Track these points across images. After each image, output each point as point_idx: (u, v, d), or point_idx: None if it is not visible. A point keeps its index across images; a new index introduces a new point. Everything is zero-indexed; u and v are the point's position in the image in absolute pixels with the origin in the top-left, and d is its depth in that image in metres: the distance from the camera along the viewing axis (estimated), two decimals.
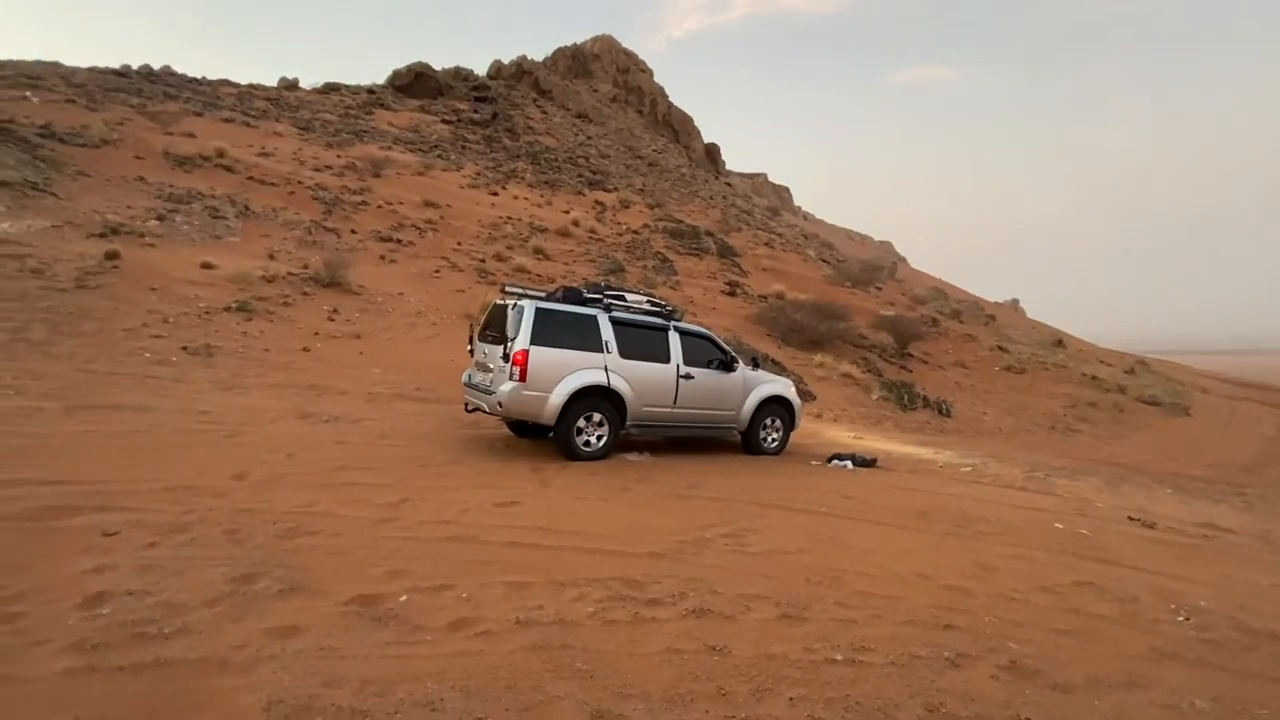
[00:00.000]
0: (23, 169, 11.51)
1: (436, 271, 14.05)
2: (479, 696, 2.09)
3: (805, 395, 10.63)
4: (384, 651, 2.31)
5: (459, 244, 16.15)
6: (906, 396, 14.38)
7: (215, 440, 5.28)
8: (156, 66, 22.96)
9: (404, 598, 2.76)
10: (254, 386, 7.47)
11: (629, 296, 6.46)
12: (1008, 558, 4.37)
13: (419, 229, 16.11)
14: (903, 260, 78.76)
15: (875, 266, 30.69)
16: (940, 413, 14.30)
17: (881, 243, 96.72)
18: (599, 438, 5.92)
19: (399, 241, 15.00)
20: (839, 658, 2.64)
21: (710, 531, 4.20)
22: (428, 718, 1.95)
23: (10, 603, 2.39)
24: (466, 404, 6.28)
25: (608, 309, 6.12)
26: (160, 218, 11.89)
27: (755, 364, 7.45)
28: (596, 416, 5.87)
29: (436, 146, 25.96)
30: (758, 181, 76.23)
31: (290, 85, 30.47)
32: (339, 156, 19.65)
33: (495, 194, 22.01)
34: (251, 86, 26.90)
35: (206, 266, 10.49)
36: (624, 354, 5.98)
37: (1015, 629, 3.13)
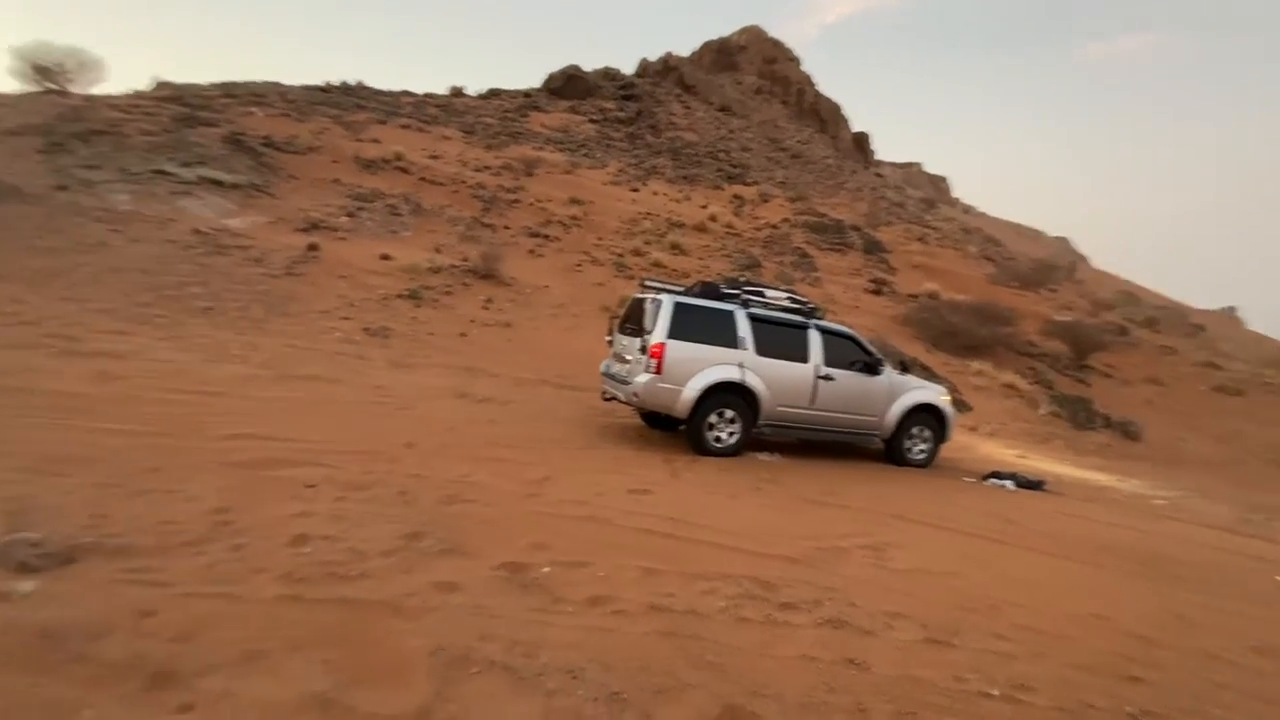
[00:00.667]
0: (249, 174, 13.71)
1: (578, 266, 14.70)
2: (615, 671, 2.17)
3: (959, 405, 9.75)
4: (529, 616, 2.47)
5: (599, 239, 16.76)
6: (1083, 414, 12.69)
7: (389, 412, 5.96)
8: (352, 82, 26.38)
9: (546, 569, 2.93)
10: (420, 366, 8.32)
11: (768, 293, 6.32)
12: (1211, 609, 3.73)
13: (564, 225, 16.96)
14: (1082, 259, 69.51)
15: (1049, 265, 27.36)
16: (1125, 435, 12.45)
17: (1056, 239, 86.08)
18: (730, 434, 5.87)
19: (546, 237, 15.89)
20: (995, 693, 2.40)
21: (847, 541, 4.01)
22: (569, 684, 2.06)
23: (237, 535, 2.87)
24: (603, 392, 6.52)
25: (745, 305, 6.03)
26: (350, 215, 13.62)
27: (904, 368, 6.97)
28: (729, 413, 5.82)
29: (583, 145, 27.16)
30: (911, 172, 71.03)
31: (458, 93, 33.44)
32: (496, 157, 21.24)
33: (636, 190, 22.55)
34: (426, 95, 29.92)
35: (385, 258, 11.84)
36: (760, 351, 5.86)
37: (1218, 692, 2.66)
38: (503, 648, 2.20)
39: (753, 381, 5.77)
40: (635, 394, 5.63)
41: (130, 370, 5.75)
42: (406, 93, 29.53)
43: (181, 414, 4.78)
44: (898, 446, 6.65)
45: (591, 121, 31.45)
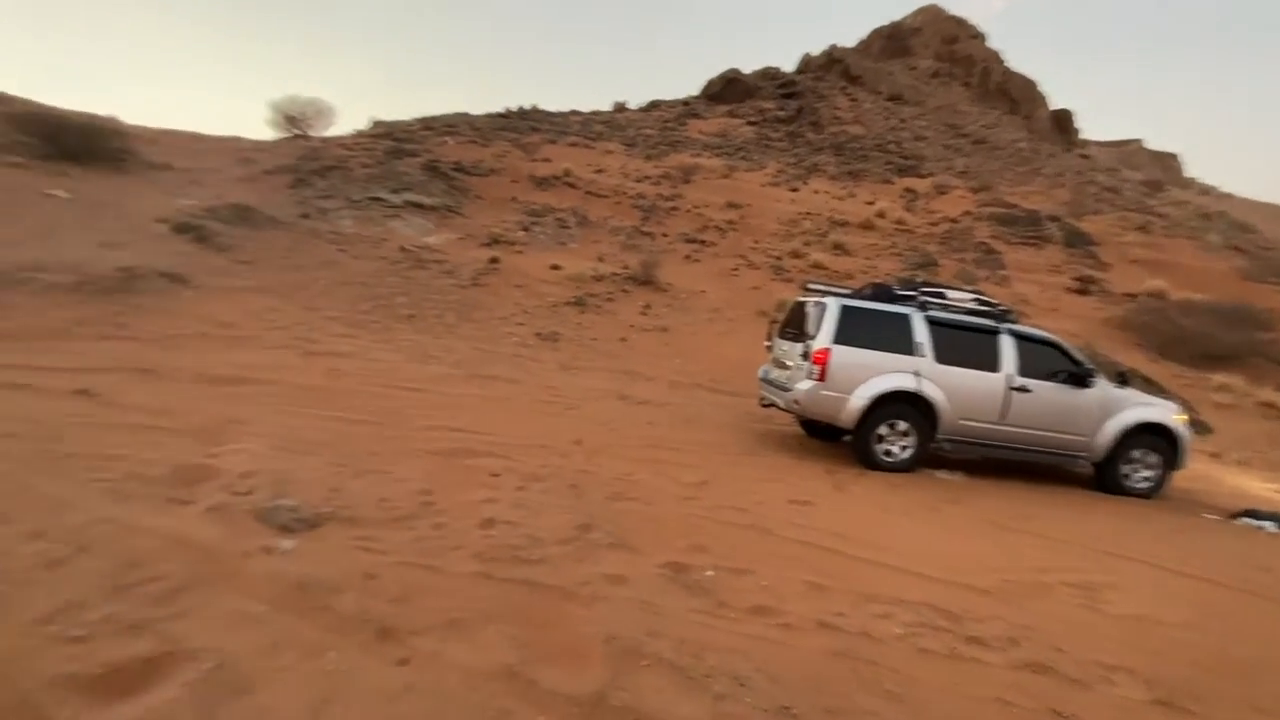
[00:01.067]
0: (444, 196, 15.52)
1: (734, 270, 14.61)
2: (784, 685, 2.10)
3: (1196, 426, 8.12)
4: (695, 618, 2.49)
5: (756, 242, 16.52)
6: None
7: (559, 410, 6.37)
8: (528, 107, 28.86)
9: (710, 572, 2.94)
10: (585, 369, 8.81)
11: (950, 294, 5.77)
12: None
13: (720, 229, 16.97)
14: None
15: None
16: None
17: None
18: (903, 448, 5.44)
19: (702, 242, 16.02)
20: None
21: (1049, 576, 3.52)
22: (736, 690, 2.04)
23: (438, 515, 3.24)
24: (761, 398, 6.39)
25: (923, 307, 5.56)
26: (525, 229, 14.84)
27: (1122, 380, 5.95)
28: (901, 425, 5.40)
29: (741, 148, 27.00)
30: (1129, 151, 60.90)
31: (620, 108, 35.06)
32: (656, 167, 21.88)
33: (795, 190, 21.91)
34: (592, 113, 31.77)
35: (554, 268, 12.72)
36: (941, 358, 5.37)
37: None
38: (671, 645, 2.24)
39: (930, 391, 5.29)
40: (796, 401, 5.45)
41: (353, 368, 6.77)
42: (575, 112, 31.57)
43: (391, 406, 5.53)
44: (1113, 472, 5.70)
45: (750, 124, 31.16)
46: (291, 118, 20.88)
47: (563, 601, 2.48)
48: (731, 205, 18.68)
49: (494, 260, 12.26)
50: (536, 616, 2.33)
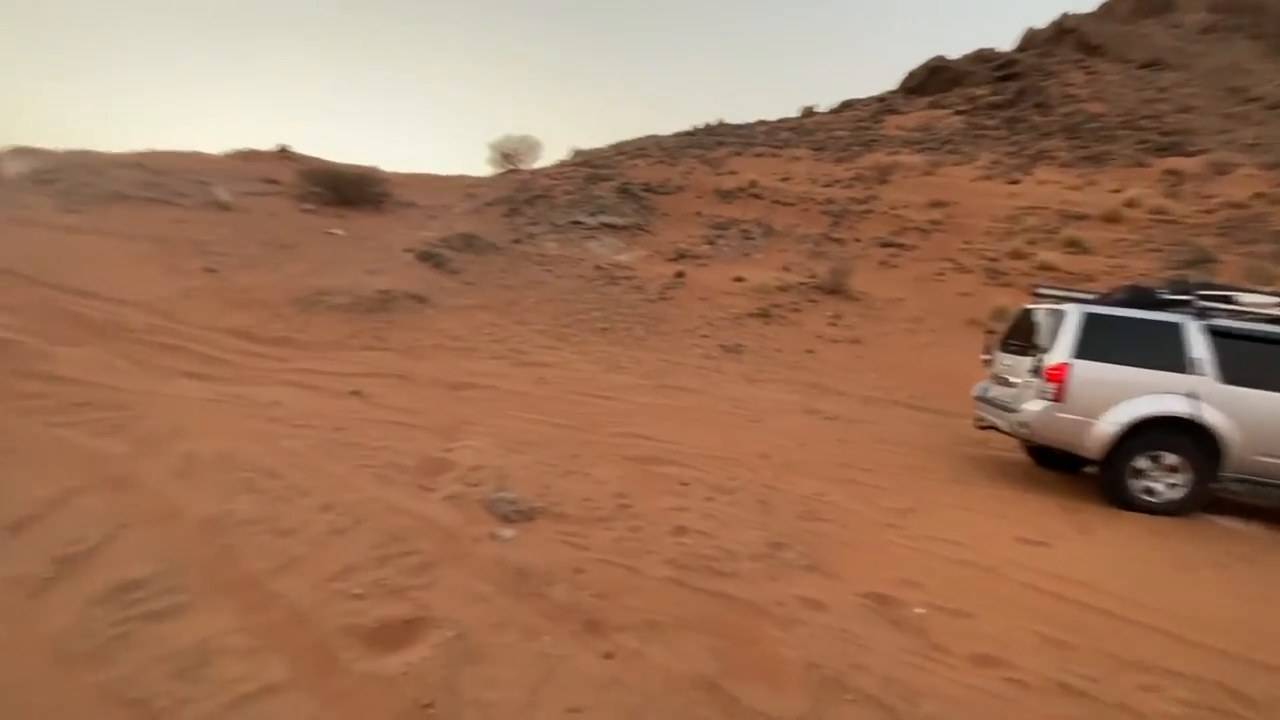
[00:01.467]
0: (634, 216, 16.37)
1: (939, 274, 13.30)
2: None
3: None
4: (904, 658, 2.28)
5: (967, 243, 14.86)
6: None
7: (744, 423, 6.32)
8: (714, 122, 29.40)
9: (920, 610, 2.67)
10: (770, 381, 8.64)
11: (1243, 298, 4.62)
12: None
13: (922, 231, 15.58)
14: None
15: None
16: None
17: None
18: (1171, 486, 4.46)
19: (900, 246, 14.84)
20: None
21: None
22: None
23: (634, 518, 3.38)
24: (978, 419, 5.68)
25: (1201, 315, 4.53)
26: (709, 242, 15.06)
27: None
28: (1169, 458, 4.43)
29: (948, 141, 24.59)
30: None
31: (809, 112, 34.07)
32: (847, 169, 20.84)
33: (1015, 182, 19.33)
34: (779, 121, 31.35)
35: (738, 280, 12.70)
36: (1228, 378, 4.32)
37: None
38: (877, 683, 2.07)
39: (1212, 418, 4.27)
40: (1024, 424, 4.75)
41: (556, 377, 7.41)
42: (761, 122, 31.42)
43: (588, 412, 5.93)
44: None
45: (958, 113, 28.25)
46: (506, 155, 23.65)
47: (757, 619, 2.43)
48: (935, 204, 17.06)
49: (679, 274, 12.61)
50: (732, 631, 2.31)
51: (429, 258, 11.98)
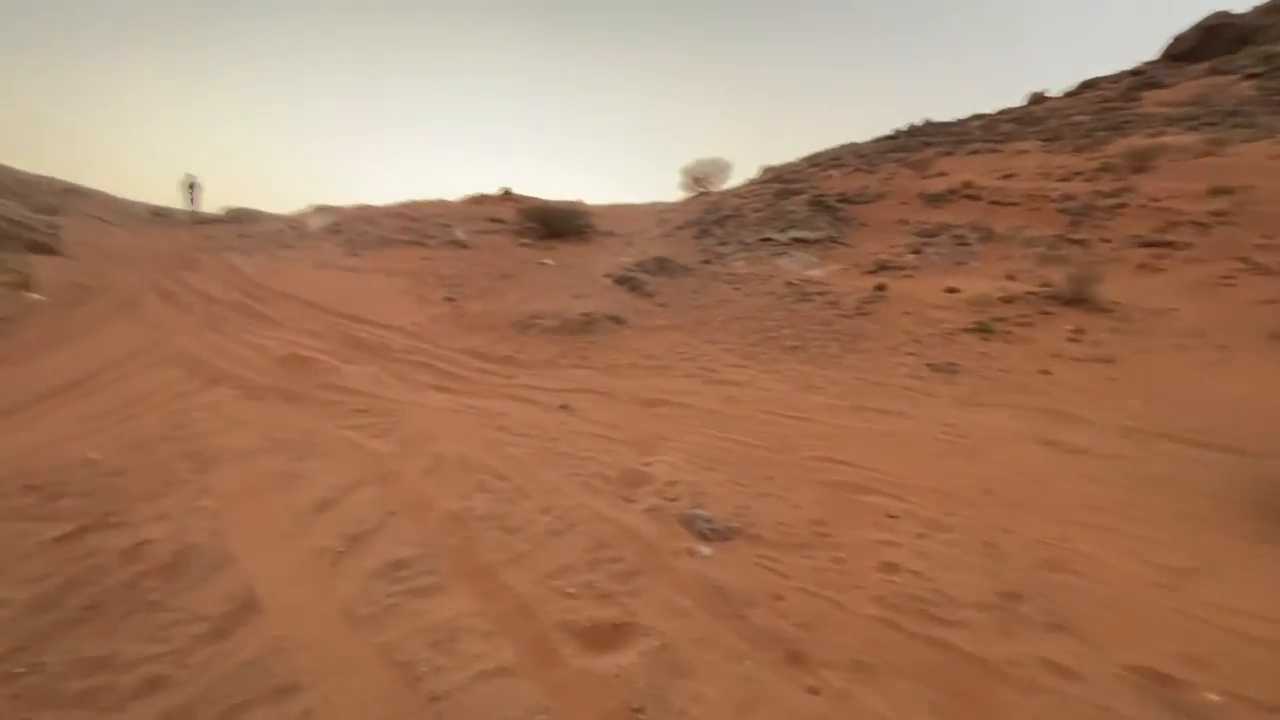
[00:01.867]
0: (828, 228, 15.72)
1: (1226, 277, 10.66)
2: None
3: None
4: None
5: (1266, 237, 11.75)
6: None
7: (959, 452, 5.65)
8: (919, 122, 27.16)
9: (1214, 697, 2.13)
10: (990, 405, 7.63)
11: None
12: None
13: (1199, 225, 12.66)
14: None
15: None
16: None
17: None
18: None
19: (1167, 245, 12.21)
20: None
21: None
22: None
23: (834, 548, 3.20)
24: None
25: None
26: (915, 251, 13.87)
27: None
28: None
29: (1233, 114, 19.78)
30: None
31: (1039, 98, 29.83)
32: (1089, 159, 17.79)
33: None
34: (999, 113, 27.93)
35: (950, 291, 11.48)
36: None
37: None
38: None
39: None
40: None
41: (746, 396, 7.35)
42: (976, 116, 28.27)
43: (781, 433, 5.78)
44: None
45: (1248, 77, 22.61)
46: (697, 178, 24.35)
47: (987, 678, 2.14)
48: (1218, 191, 13.78)
49: (880, 288, 11.78)
50: (956, 686, 2.06)
51: (625, 281, 12.74)
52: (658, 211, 22.36)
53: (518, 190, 25.23)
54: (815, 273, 13.71)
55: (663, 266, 13.63)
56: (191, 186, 19.62)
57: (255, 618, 2.28)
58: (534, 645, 2.13)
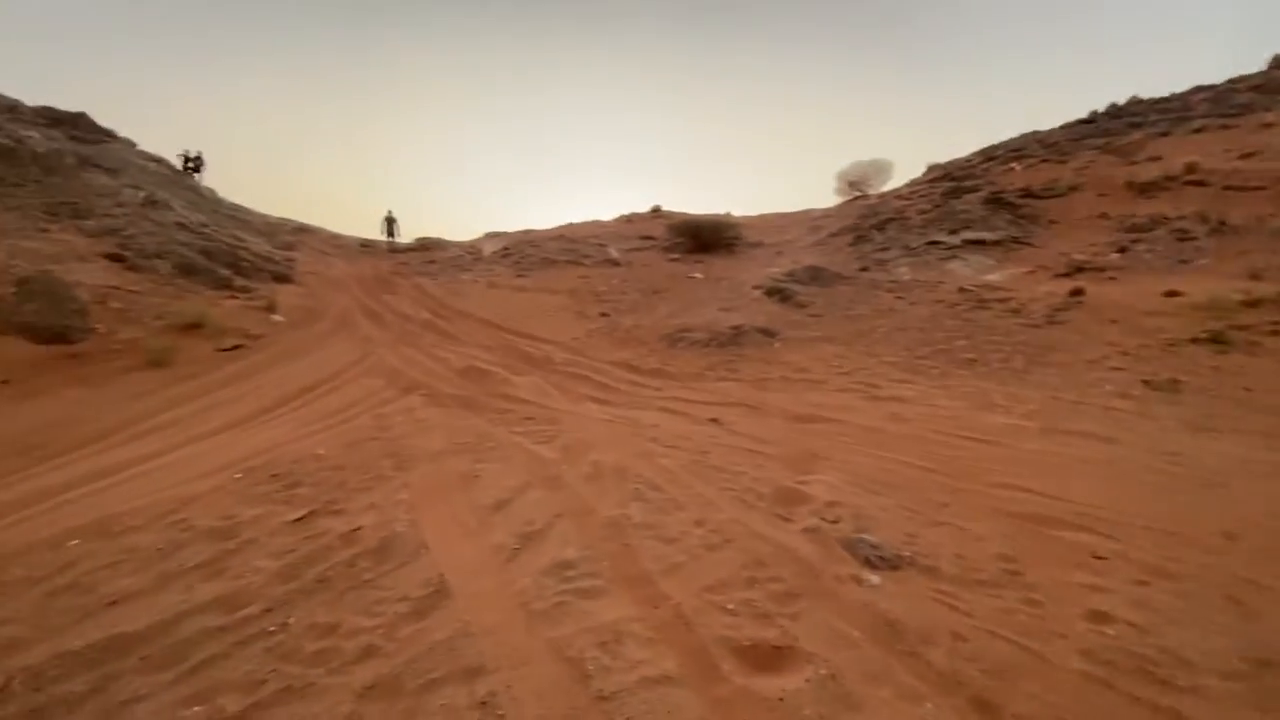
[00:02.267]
0: (1008, 228, 14.13)
1: None
2: None
3: None
4: None
5: None
6: None
7: (1188, 486, 4.73)
8: (1121, 102, 23.47)
9: None
10: (1230, 431, 6.31)
11: None
12: None
13: None
14: None
15: None
16: None
17: None
18: None
19: None
20: None
21: None
22: None
23: (1028, 589, 2.83)
24: None
25: None
26: (1121, 249, 11.97)
27: None
28: None
29: None
30: None
31: None
32: None
33: None
34: (1230, 82, 23.26)
35: (1171, 294, 9.74)
36: None
37: None
38: None
39: None
40: None
41: (913, 413, 6.80)
42: (1198, 89, 23.83)
43: (955, 456, 5.26)
44: None
45: None
46: (853, 182, 23.21)
47: None
48: None
49: (1076, 292, 10.32)
50: None
51: (776, 293, 12.47)
52: (810, 219, 21.66)
53: (667, 207, 25.89)
54: (993, 277, 12.41)
55: (815, 276, 13.16)
56: (390, 221, 22.69)
57: (447, 602, 2.54)
58: (695, 657, 2.13)
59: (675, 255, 18.03)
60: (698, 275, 15.65)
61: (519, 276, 16.80)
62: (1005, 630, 2.41)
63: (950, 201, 15.71)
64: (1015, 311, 10.37)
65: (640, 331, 11.26)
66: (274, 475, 4.45)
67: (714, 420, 6.34)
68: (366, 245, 23.88)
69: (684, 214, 23.33)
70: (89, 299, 8.52)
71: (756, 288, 13.29)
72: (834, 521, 3.41)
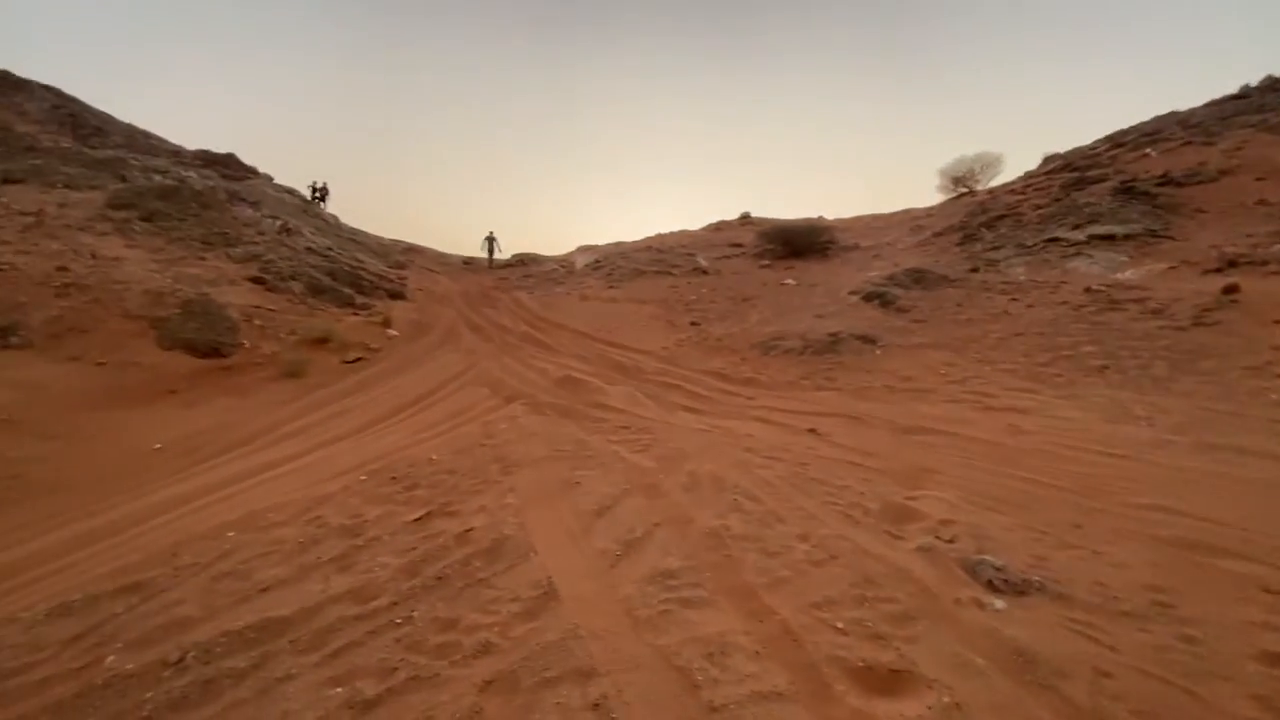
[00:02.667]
0: (1143, 220, 12.75)
1: None
2: None
3: None
4: None
5: None
6: None
7: None
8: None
9: None
10: None
11: None
12: None
13: None
14: None
15: None
16: None
17: None
18: None
19: None
20: None
21: None
22: None
23: (1183, 624, 2.53)
24: None
25: None
26: None
27: None
28: None
29: None
30: None
31: None
32: None
33: None
34: None
35: None
36: None
37: None
38: None
39: None
40: None
41: (1035, 425, 6.27)
42: None
43: (1086, 473, 4.79)
44: None
45: None
46: (957, 178, 21.86)
47: None
48: None
49: (1229, 290, 9.13)
50: None
51: (875, 297, 11.96)
52: (910, 219, 20.61)
53: (756, 213, 25.55)
54: (1127, 275, 11.27)
55: (918, 279, 12.50)
56: (490, 241, 23.92)
57: (556, 605, 2.63)
58: (806, 675, 2.08)
59: (766, 262, 17.74)
60: (790, 281, 15.30)
61: (610, 288, 17.16)
62: (1158, 668, 2.16)
63: (1072, 194, 14.42)
64: (1155, 313, 9.33)
65: (731, 340, 11.16)
66: (394, 478, 4.80)
67: (812, 431, 6.16)
68: (469, 262, 25.31)
69: (774, 220, 22.92)
70: (238, 317, 9.60)
71: (853, 293, 12.80)
72: (950, 541, 3.20)
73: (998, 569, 2.79)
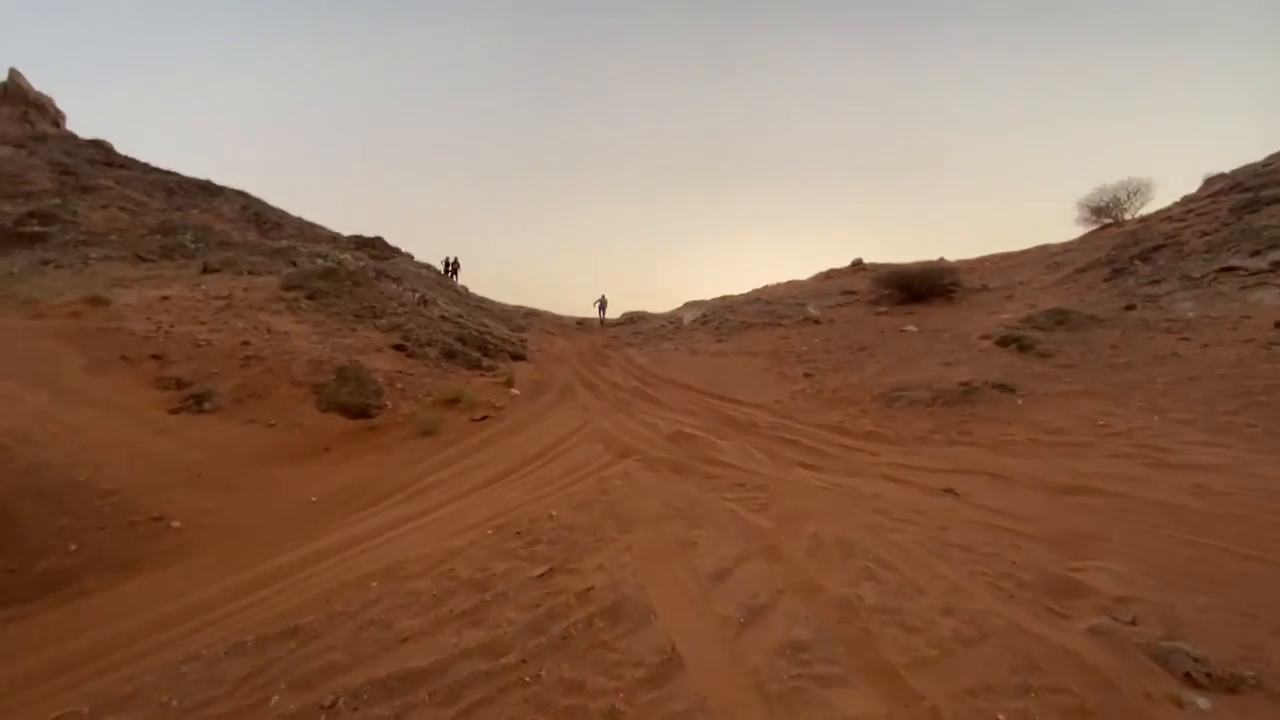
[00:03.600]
0: None
1: None
2: None
3: None
4: None
5: None
6: None
7: None
8: None
9: None
10: None
11: None
12: None
13: None
14: None
15: None
16: None
17: None
18: None
19: None
20: None
21: None
22: None
23: None
24: None
25: None
26: None
27: None
28: None
29: None
30: None
31: None
32: None
33: None
34: None
35: None
36: None
37: None
38: None
39: None
40: None
41: (1227, 485, 5.36)
42: None
43: None
44: None
45: None
46: (1098, 209, 19.98)
47: None
48: None
49: None
50: None
51: (1011, 342, 11.02)
52: (1046, 256, 19.00)
53: (869, 259, 24.73)
54: None
55: (1061, 320, 11.39)
56: (601, 302, 24.97)
57: (680, 673, 2.56)
58: None
59: (883, 309, 16.98)
60: (911, 328, 14.50)
61: (718, 341, 17.16)
62: None
63: (1246, 217, 12.66)
64: None
65: (849, 391, 10.67)
66: (517, 533, 4.97)
67: (949, 490, 5.67)
68: (581, 323, 26.49)
69: (889, 265, 22.04)
70: (382, 381, 10.63)
71: (985, 337, 11.87)
72: (1130, 623, 2.76)
73: (1197, 660, 2.35)
